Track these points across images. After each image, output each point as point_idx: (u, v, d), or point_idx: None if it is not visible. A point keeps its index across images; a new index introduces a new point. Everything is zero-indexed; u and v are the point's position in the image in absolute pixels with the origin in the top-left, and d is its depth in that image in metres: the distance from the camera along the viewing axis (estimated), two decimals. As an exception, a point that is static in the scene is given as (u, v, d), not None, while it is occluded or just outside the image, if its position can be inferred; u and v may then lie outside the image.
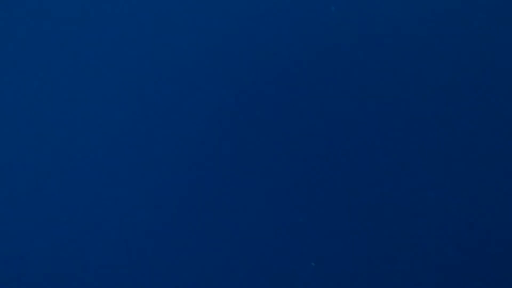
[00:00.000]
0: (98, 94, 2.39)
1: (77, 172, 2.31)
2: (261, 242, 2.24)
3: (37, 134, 2.33)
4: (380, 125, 2.31)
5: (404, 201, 2.18)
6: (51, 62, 2.41)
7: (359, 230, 2.20)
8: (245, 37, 2.37)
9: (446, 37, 2.32)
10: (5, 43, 2.44)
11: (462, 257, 2.11)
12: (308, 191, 2.30)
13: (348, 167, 2.29)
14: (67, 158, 2.33)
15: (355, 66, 2.36)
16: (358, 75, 2.34)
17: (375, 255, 2.17)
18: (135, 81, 2.41)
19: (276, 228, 2.25)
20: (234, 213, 2.31)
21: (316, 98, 2.37)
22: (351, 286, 2.13)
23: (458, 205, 2.15)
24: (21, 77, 2.39)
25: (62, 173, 2.31)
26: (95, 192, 2.29)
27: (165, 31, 2.43)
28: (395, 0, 2.36)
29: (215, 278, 2.21)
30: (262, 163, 2.35)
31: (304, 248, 2.21)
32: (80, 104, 2.38)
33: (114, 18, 2.41)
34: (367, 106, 2.32)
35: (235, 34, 2.39)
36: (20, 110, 2.35)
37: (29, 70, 2.40)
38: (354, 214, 2.21)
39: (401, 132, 2.28)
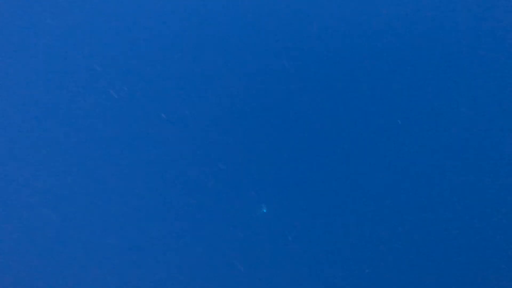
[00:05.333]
0: (97, 91, 2.35)
1: (77, 170, 2.28)
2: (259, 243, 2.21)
3: (37, 133, 2.31)
4: (376, 122, 2.27)
5: (403, 200, 2.15)
6: (50, 61, 2.39)
7: (358, 228, 2.17)
8: (245, 36, 2.34)
9: (445, 37, 2.28)
10: (5, 43, 2.42)
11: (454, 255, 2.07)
12: (304, 189, 2.26)
13: (345, 167, 2.26)
14: (66, 157, 2.30)
15: (353, 65, 2.32)
16: (357, 74, 2.31)
17: (373, 254, 2.13)
18: (133, 79, 2.38)
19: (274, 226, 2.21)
20: (234, 211, 2.28)
21: (313, 97, 2.34)
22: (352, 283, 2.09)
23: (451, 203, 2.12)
24: (21, 77, 2.37)
25: (60, 172, 2.28)
26: (95, 190, 2.26)
27: (164, 28, 2.39)
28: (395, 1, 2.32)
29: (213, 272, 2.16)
30: (261, 164, 2.32)
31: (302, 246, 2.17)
32: (80, 102, 2.37)
33: (112, 16, 2.38)
34: (364, 104, 2.29)
35: (235, 33, 2.36)
36: (20, 110, 2.33)
37: (29, 69, 2.38)
38: (352, 213, 2.18)
39: (398, 131, 2.24)
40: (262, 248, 2.09)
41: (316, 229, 2.10)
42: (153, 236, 2.13)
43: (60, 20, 2.27)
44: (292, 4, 2.37)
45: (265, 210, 2.01)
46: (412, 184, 2.07)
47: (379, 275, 2.01)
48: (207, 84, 2.26)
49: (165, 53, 2.28)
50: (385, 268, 2.02)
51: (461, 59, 2.16)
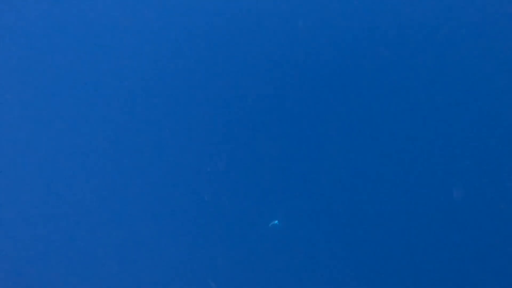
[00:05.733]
0: (97, 93, 2.35)
1: (77, 171, 2.27)
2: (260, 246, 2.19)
3: (38, 133, 2.30)
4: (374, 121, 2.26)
5: (403, 201, 2.14)
6: (51, 62, 2.38)
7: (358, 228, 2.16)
8: (245, 36, 2.34)
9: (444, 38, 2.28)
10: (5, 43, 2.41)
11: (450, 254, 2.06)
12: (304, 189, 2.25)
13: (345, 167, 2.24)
14: (68, 157, 2.29)
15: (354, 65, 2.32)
16: (358, 75, 2.30)
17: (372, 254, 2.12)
18: (134, 80, 2.37)
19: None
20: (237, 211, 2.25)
21: (312, 97, 2.33)
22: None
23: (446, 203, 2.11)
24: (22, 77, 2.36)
25: (61, 173, 2.27)
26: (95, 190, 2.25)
27: (165, 31, 2.39)
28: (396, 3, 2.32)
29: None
30: (263, 165, 2.31)
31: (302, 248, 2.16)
32: (82, 104, 2.35)
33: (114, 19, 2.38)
34: (363, 104, 2.28)
35: (235, 34, 2.36)
36: (21, 110, 2.32)
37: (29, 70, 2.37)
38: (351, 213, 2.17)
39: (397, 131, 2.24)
40: (269, 255, 2.09)
41: (322, 234, 2.10)
42: (155, 240, 2.13)
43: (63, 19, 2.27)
44: (293, 5, 2.36)
45: (276, 222, 2.02)
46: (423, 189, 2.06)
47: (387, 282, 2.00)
48: (215, 92, 2.25)
49: (168, 55, 2.28)
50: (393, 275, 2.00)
51: (460, 60, 2.16)
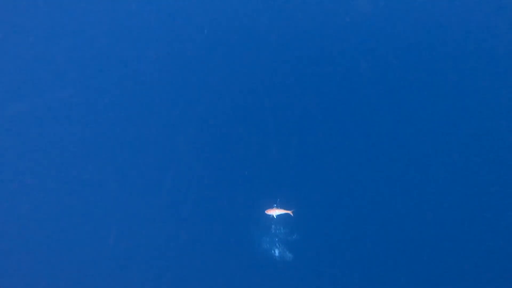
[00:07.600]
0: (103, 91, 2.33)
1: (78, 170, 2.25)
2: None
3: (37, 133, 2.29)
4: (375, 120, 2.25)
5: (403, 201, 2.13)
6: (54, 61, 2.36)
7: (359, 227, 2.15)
8: (246, 35, 2.33)
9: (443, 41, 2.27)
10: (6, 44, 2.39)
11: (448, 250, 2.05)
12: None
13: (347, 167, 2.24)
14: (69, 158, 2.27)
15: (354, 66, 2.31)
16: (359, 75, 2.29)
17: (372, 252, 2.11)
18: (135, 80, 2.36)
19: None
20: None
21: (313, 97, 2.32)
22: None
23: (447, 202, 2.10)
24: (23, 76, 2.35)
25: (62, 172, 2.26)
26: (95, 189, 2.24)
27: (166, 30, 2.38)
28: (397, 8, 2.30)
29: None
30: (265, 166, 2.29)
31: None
32: (83, 103, 2.34)
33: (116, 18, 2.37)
34: (365, 105, 2.28)
35: (237, 33, 2.35)
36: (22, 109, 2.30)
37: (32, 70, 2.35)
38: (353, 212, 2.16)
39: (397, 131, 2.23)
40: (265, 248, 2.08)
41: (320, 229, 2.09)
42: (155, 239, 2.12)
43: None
44: (292, 6, 2.36)
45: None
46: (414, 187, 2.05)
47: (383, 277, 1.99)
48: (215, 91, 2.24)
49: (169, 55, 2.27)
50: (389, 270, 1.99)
51: (459, 61, 2.16)
